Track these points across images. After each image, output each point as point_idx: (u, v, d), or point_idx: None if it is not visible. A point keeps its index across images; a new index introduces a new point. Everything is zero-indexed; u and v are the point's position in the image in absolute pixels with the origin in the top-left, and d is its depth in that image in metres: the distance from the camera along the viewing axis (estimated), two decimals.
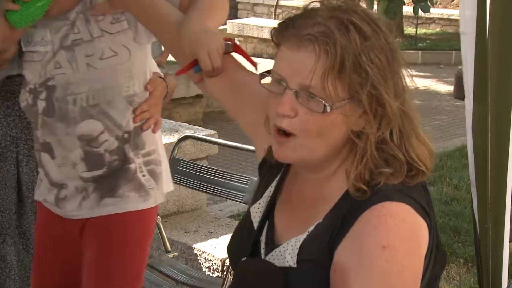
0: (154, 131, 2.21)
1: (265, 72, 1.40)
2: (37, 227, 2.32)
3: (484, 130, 1.63)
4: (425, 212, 1.33)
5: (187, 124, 4.25)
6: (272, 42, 1.39)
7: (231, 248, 1.56)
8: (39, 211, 2.31)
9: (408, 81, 1.36)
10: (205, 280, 3.10)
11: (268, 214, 1.49)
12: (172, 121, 4.30)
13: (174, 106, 7.66)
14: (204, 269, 3.46)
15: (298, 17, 1.35)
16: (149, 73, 2.21)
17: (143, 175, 2.19)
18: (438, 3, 14.90)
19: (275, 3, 14.62)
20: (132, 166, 2.17)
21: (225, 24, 12.90)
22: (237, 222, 3.97)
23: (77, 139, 2.11)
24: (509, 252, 1.80)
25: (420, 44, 12.84)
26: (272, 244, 1.44)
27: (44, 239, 2.28)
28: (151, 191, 2.21)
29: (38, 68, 2.13)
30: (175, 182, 3.39)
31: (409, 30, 13.92)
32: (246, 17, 14.62)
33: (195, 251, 3.50)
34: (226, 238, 3.59)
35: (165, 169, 2.29)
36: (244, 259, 1.46)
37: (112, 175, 2.16)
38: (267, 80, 1.41)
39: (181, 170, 3.33)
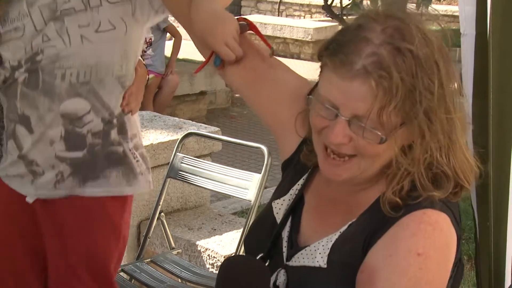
0: (133, 113, 2.12)
1: (309, 95, 1.34)
2: None
3: (483, 128, 1.62)
4: (458, 224, 1.33)
5: (190, 121, 4.24)
6: (318, 60, 1.34)
7: (249, 241, 1.54)
8: None
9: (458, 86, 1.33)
10: (209, 276, 3.10)
11: (294, 212, 1.46)
12: (175, 118, 4.29)
13: (177, 103, 7.67)
14: (207, 266, 3.46)
15: (349, 40, 1.27)
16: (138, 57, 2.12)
17: (137, 160, 2.10)
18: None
19: (278, 0, 14.59)
20: (120, 149, 2.06)
21: None
22: (240, 219, 3.98)
23: (60, 117, 2.00)
24: None
25: None
26: (297, 246, 1.42)
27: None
28: (140, 176, 2.12)
29: (20, 44, 2.00)
30: (179, 179, 3.40)
31: None
32: (250, 14, 14.61)
33: (199, 248, 3.51)
34: (229, 235, 3.60)
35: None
36: (230, 256, 1.44)
37: (93, 159, 2.05)
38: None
39: (185, 167, 3.33)
